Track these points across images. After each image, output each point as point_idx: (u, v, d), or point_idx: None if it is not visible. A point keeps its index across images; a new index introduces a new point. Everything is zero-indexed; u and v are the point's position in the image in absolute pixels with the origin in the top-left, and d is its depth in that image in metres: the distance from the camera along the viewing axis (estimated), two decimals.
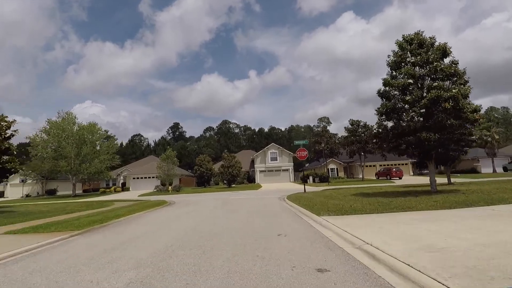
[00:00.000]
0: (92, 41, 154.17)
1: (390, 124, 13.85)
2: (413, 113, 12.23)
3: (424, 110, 11.94)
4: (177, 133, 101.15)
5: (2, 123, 15.62)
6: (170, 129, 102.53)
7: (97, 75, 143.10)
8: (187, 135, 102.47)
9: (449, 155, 14.04)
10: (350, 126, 40.40)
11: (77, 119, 40.47)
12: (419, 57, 12.70)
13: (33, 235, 8.13)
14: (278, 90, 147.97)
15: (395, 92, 13.59)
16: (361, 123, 40.04)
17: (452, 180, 21.75)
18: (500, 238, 4.96)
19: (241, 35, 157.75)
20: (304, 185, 22.27)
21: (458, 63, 12.45)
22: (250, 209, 12.42)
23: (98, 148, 41.33)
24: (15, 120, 16.47)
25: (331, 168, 51.37)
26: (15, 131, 16.42)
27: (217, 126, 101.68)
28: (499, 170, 43.04)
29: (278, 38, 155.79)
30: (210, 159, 47.12)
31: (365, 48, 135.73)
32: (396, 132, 13.28)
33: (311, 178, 40.32)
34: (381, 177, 40.76)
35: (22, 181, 45.05)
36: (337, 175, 51.45)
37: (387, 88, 13.92)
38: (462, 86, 12.10)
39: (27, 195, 45.61)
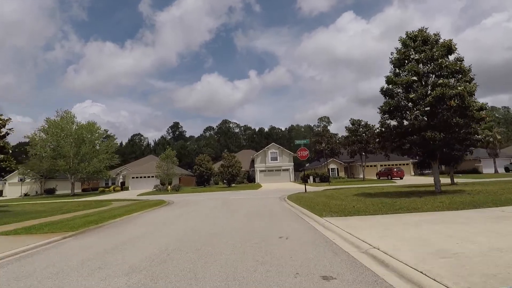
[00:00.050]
0: (92, 41, 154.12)
1: (393, 123, 13.57)
2: (418, 111, 11.92)
3: (428, 108, 11.62)
4: (177, 133, 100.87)
5: None
6: (170, 129, 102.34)
7: (97, 75, 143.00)
8: (187, 135, 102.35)
9: (454, 155, 13.71)
10: (351, 126, 40.09)
11: (76, 118, 40.25)
12: (423, 54, 12.40)
13: (25, 236, 7.83)
14: (278, 90, 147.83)
15: (399, 90, 13.32)
16: (362, 123, 39.74)
17: (455, 180, 21.44)
18: None
19: (241, 35, 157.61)
20: (305, 185, 21.96)
21: (463, 60, 12.14)
22: (250, 210, 12.12)
23: (97, 147, 41.03)
24: (9, 119, 16.18)
25: (331, 168, 51.09)
26: (10, 129, 16.12)
27: (217, 126, 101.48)
28: (501, 170, 42.75)
29: (278, 38, 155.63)
30: (210, 158, 46.83)
31: (365, 48, 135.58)
32: (400, 131, 13.00)
33: (311, 178, 40.00)
34: (382, 177, 40.46)
35: (21, 180, 44.76)
36: (338, 175, 51.16)
37: (390, 86, 13.65)
38: (467, 83, 11.81)
39: (26, 194, 45.32)
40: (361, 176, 42.46)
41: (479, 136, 12.43)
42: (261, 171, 48.76)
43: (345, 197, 13.67)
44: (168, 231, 7.83)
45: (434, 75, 12.31)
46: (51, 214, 13.58)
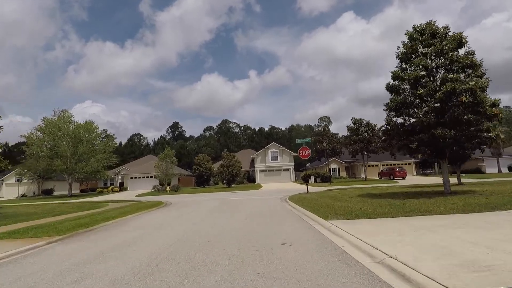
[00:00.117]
0: (93, 41, 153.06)
1: (399, 120, 12.98)
2: (427, 107, 11.30)
3: (438, 104, 11.00)
4: (176, 133, 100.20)
5: None
6: (169, 129, 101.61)
7: (97, 75, 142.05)
8: (187, 135, 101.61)
9: (464, 154, 13.08)
10: (352, 125, 39.47)
11: (73, 117, 39.58)
12: (432, 47, 11.79)
13: (6, 241, 7.24)
14: (278, 90, 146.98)
15: (405, 86, 12.73)
16: (364, 122, 39.12)
17: (460, 180, 20.81)
18: None
19: (241, 35, 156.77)
20: (307, 185, 21.36)
21: (474, 54, 11.54)
22: (249, 212, 11.51)
23: (96, 147, 40.40)
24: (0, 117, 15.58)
25: (332, 168, 50.47)
26: (0, 127, 15.51)
27: (217, 126, 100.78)
28: (504, 170, 42.14)
29: (278, 38, 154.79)
30: (210, 158, 46.23)
31: (365, 48, 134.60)
32: (407, 128, 12.40)
33: (312, 178, 39.37)
34: (384, 177, 39.85)
35: (18, 180, 44.12)
36: (339, 175, 50.53)
37: (396, 82, 13.06)
38: (478, 78, 11.20)
39: (23, 195, 44.71)
40: (363, 176, 41.84)
41: (491, 134, 11.79)
42: (261, 171, 48.15)
43: (350, 198, 13.06)
44: (161, 236, 7.22)
45: (443, 70, 11.70)
46: (42, 217, 12.99)
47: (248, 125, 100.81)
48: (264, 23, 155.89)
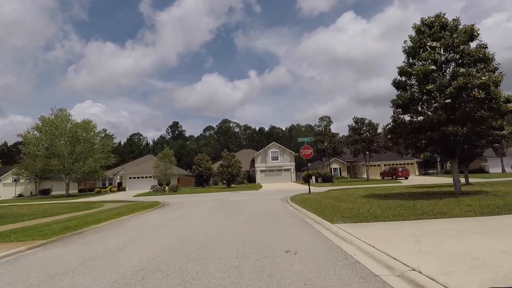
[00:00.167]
0: (93, 41, 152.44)
1: (407, 118, 12.38)
2: (436, 104, 10.68)
3: (449, 100, 10.39)
4: (176, 132, 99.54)
5: None
6: (169, 128, 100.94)
7: (97, 75, 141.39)
8: (187, 135, 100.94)
9: (472, 152, 12.47)
10: (354, 124, 38.83)
11: (71, 116, 38.98)
12: (442, 40, 11.18)
13: None
14: (278, 90, 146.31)
15: (413, 82, 12.13)
16: (366, 121, 38.46)
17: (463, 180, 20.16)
18: None
19: (242, 35, 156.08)
20: (309, 185, 20.74)
21: (487, 47, 10.93)
22: (250, 214, 10.90)
23: (95, 146, 39.77)
24: None
25: (333, 168, 49.80)
26: None
27: (217, 125, 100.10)
28: (508, 170, 41.50)
29: (278, 38, 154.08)
30: (209, 158, 45.62)
31: (365, 48, 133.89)
32: (415, 126, 11.80)
33: (313, 178, 38.73)
34: (386, 177, 39.22)
35: (15, 180, 43.43)
36: (340, 175, 49.89)
37: (403, 77, 12.46)
38: (491, 73, 10.59)
39: (20, 195, 44.08)
40: (365, 176, 41.20)
41: (504, 132, 11.17)
42: (261, 171, 47.52)
43: (355, 199, 12.44)
44: (152, 241, 6.61)
45: (454, 64, 11.09)
46: (32, 218, 12.39)
47: (248, 125, 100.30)
48: (264, 23, 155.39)
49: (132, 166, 55.18)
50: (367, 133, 37.57)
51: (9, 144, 71.99)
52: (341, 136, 62.08)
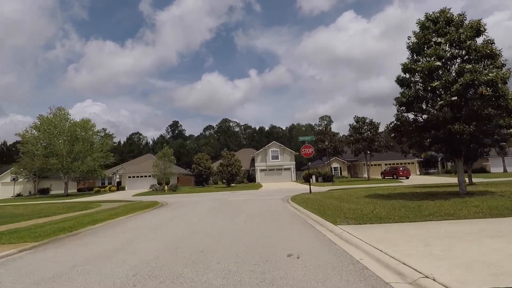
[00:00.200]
0: (93, 40, 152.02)
1: (411, 116, 12.08)
2: (442, 101, 10.39)
3: (456, 97, 10.09)
4: (176, 132, 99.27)
5: None
6: (169, 128, 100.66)
7: (97, 74, 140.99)
8: (187, 134, 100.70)
9: (478, 152, 12.18)
10: (355, 124, 38.52)
11: (70, 115, 38.66)
12: (447, 36, 10.87)
13: None
14: (278, 89, 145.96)
15: (417, 79, 11.82)
16: (367, 121, 38.15)
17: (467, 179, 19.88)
18: None
19: (242, 35, 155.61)
20: (310, 185, 20.46)
21: (494, 43, 10.62)
22: (249, 214, 10.62)
23: (94, 145, 39.48)
24: None
25: (334, 167, 49.50)
26: None
27: (217, 125, 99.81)
28: (510, 169, 41.22)
29: (279, 37, 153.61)
30: (209, 157, 45.32)
31: (366, 48, 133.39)
32: (419, 125, 11.51)
33: (314, 177, 38.45)
34: (387, 177, 38.90)
35: (13, 179, 43.21)
36: (341, 174, 49.61)
37: (406, 74, 12.16)
38: (498, 69, 10.29)
39: (18, 195, 43.79)
40: (365, 175, 40.93)
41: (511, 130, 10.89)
42: (261, 170, 47.23)
43: (357, 199, 12.16)
44: (148, 244, 6.33)
45: (460, 60, 10.79)
46: (27, 218, 12.12)
47: (248, 124, 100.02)
48: (264, 22, 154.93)
49: (131, 165, 54.92)
50: (368, 132, 37.29)
51: (8, 144, 71.81)
52: (341, 135, 61.82)
